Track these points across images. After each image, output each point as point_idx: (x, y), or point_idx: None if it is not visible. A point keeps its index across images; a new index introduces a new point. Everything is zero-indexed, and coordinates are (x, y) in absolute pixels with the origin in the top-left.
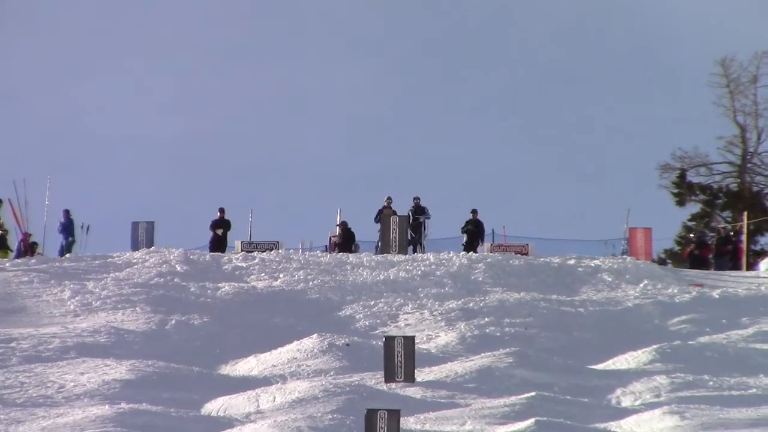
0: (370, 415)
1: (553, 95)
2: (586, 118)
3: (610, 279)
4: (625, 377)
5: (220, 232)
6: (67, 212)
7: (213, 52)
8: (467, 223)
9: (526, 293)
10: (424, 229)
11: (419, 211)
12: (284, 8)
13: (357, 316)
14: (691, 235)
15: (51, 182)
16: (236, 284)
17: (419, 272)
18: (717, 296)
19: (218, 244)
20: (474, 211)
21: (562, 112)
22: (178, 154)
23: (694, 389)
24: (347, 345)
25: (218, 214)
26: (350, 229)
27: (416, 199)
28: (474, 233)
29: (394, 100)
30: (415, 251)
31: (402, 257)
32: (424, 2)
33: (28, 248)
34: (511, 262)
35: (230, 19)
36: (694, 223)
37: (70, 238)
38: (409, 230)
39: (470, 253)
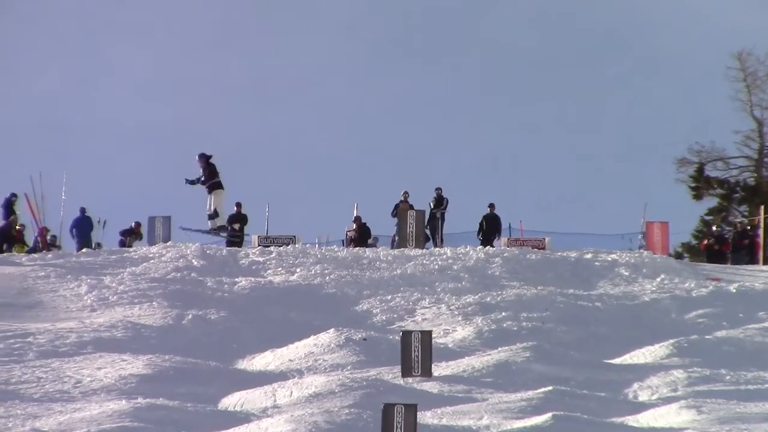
0: (387, 410)
1: (568, 89)
2: (604, 112)
3: (626, 273)
4: (642, 371)
5: (237, 226)
6: (83, 210)
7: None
8: (484, 217)
9: (543, 287)
10: (443, 222)
11: (440, 201)
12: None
13: (374, 311)
14: (714, 228)
15: (67, 177)
16: (253, 279)
17: (436, 267)
18: (734, 290)
19: (235, 239)
20: (491, 205)
21: (580, 105)
22: (192, 149)
23: (711, 384)
24: (364, 340)
25: (235, 208)
26: (365, 224)
27: (438, 189)
28: (490, 228)
29: (404, 91)
30: (435, 244)
31: (419, 252)
32: None
33: (45, 243)
34: (528, 256)
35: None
36: (711, 217)
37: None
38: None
39: (487, 247)
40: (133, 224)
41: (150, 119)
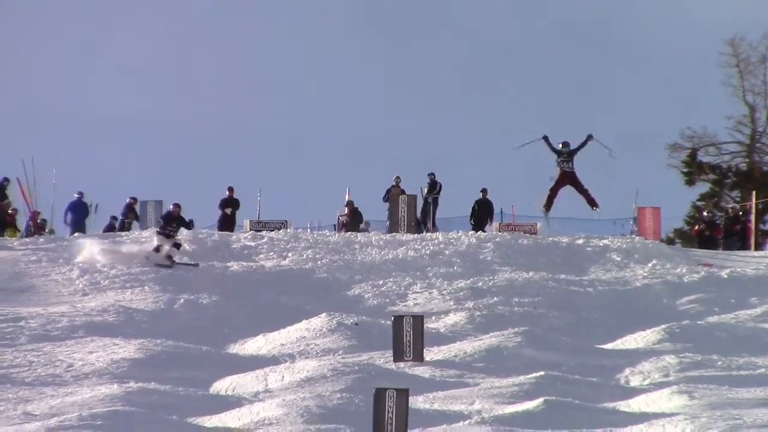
0: (379, 394)
1: (560, 76)
2: (595, 97)
3: (618, 258)
4: (633, 357)
5: (228, 211)
6: (80, 194)
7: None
8: (476, 202)
9: (535, 273)
10: (435, 207)
11: (433, 186)
12: None
13: (366, 296)
14: (705, 213)
15: (58, 162)
16: (245, 263)
17: (428, 251)
18: (726, 276)
19: (227, 223)
20: (484, 191)
21: (571, 91)
22: (183, 133)
23: (703, 369)
24: (356, 324)
25: (227, 192)
26: (357, 208)
27: (431, 174)
28: (483, 213)
29: (398, 76)
30: (427, 229)
31: (411, 236)
32: None
33: (37, 227)
34: (519, 241)
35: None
36: (703, 203)
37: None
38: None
39: (479, 232)
40: (129, 199)
41: (140, 107)
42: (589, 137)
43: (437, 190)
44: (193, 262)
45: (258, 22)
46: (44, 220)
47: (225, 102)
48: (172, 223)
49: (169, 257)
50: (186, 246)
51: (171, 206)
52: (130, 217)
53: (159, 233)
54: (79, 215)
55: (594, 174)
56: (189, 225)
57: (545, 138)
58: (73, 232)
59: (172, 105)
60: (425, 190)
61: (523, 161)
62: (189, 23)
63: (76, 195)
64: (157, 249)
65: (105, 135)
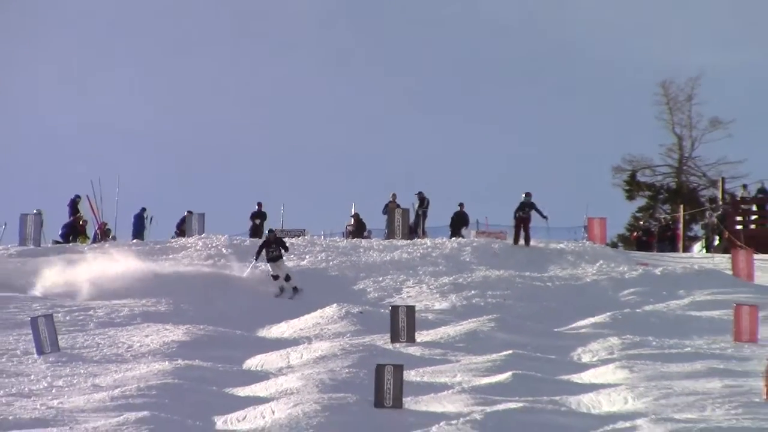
0: (379, 369)
1: (529, 107)
2: (552, 128)
3: (572, 259)
4: (584, 338)
5: (258, 221)
6: (143, 210)
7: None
8: (455, 213)
9: (505, 271)
10: (425, 219)
11: (422, 202)
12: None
13: (368, 290)
14: (641, 223)
15: (120, 181)
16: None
17: (419, 254)
18: (659, 273)
19: (256, 232)
20: (461, 205)
21: (532, 121)
22: (220, 154)
23: (641, 348)
24: (361, 313)
25: (257, 206)
26: (362, 219)
27: (420, 193)
28: (459, 222)
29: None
30: (417, 236)
31: (404, 242)
32: None
33: (104, 235)
34: (492, 245)
35: (237, 17)
36: (640, 214)
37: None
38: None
39: (459, 238)
40: (186, 212)
41: (164, 127)
42: (545, 218)
43: (425, 204)
44: (299, 287)
45: (271, 37)
46: (109, 229)
47: (256, 127)
48: (272, 245)
49: (281, 289)
50: (292, 277)
51: (267, 232)
52: (183, 228)
53: (268, 260)
54: (138, 227)
55: (552, 191)
56: (286, 247)
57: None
58: (133, 239)
59: (191, 126)
60: (416, 205)
61: (494, 179)
62: (208, 38)
63: (139, 210)
64: (275, 278)
65: (151, 155)
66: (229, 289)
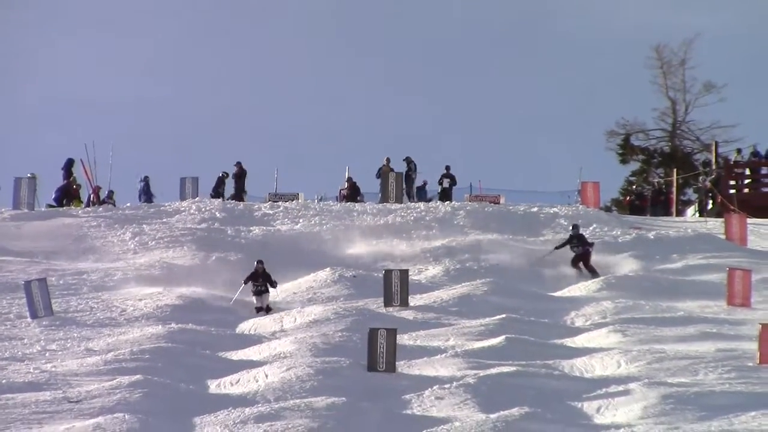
0: (372, 333)
1: (523, 72)
2: (548, 92)
3: (566, 223)
4: (577, 303)
5: (221, 173)
6: (146, 178)
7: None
8: (442, 176)
9: (499, 235)
10: (413, 182)
11: (410, 166)
12: None
13: (362, 253)
14: (634, 187)
15: (114, 145)
16: (264, 228)
17: (412, 218)
18: (652, 237)
19: (236, 191)
20: (447, 167)
21: (525, 88)
22: (221, 123)
23: (634, 312)
24: (354, 276)
25: (235, 168)
26: (356, 183)
27: (407, 158)
28: (447, 187)
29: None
30: (410, 199)
31: (398, 206)
32: None
33: (97, 199)
34: (486, 209)
35: None
36: (634, 178)
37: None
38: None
39: (453, 201)
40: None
41: (153, 96)
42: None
43: (413, 169)
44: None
45: (266, 24)
46: (112, 191)
47: (243, 100)
48: (258, 279)
49: (258, 310)
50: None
51: (255, 264)
52: (220, 190)
53: (254, 293)
54: (146, 196)
55: (546, 155)
56: (273, 283)
57: (558, 247)
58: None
59: (187, 96)
60: (406, 169)
61: (489, 144)
62: (200, 22)
63: (142, 179)
64: (258, 310)
65: (148, 122)
66: (222, 251)
